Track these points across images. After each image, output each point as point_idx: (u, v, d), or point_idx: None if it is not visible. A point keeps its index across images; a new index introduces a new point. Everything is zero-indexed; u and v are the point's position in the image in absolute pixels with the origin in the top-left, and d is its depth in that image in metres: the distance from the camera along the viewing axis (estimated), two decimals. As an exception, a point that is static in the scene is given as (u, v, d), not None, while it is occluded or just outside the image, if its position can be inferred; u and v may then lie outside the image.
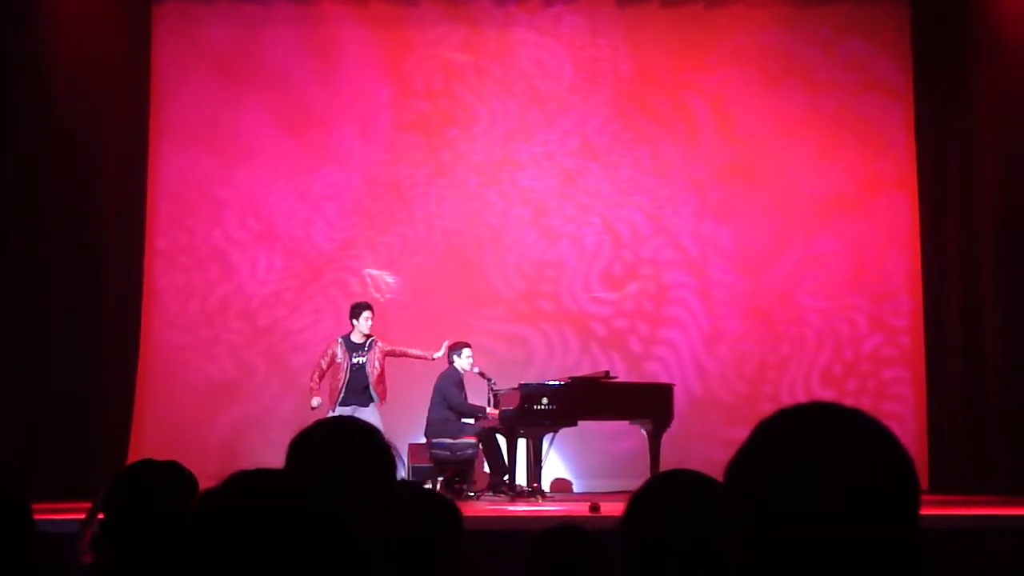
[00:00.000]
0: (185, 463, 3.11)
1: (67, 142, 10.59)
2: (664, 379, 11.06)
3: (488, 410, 9.96)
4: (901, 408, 11.02)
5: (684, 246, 11.64)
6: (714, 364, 11.45)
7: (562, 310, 11.58)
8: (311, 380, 9.84)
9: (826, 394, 11.05)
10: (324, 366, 9.82)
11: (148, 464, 2.96)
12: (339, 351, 9.76)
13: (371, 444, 2.30)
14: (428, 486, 8.92)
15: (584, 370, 11.10)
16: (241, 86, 11.50)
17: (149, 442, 10.42)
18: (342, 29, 11.61)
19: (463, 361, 10.04)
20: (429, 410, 9.97)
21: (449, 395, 9.92)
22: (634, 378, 11.11)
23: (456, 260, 11.54)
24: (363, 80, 11.64)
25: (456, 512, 2.39)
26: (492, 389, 10.09)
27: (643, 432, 9.69)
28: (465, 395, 10.05)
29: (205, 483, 2.27)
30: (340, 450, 2.25)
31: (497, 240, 11.61)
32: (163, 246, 11.33)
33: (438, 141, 11.63)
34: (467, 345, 10.12)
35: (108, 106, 10.86)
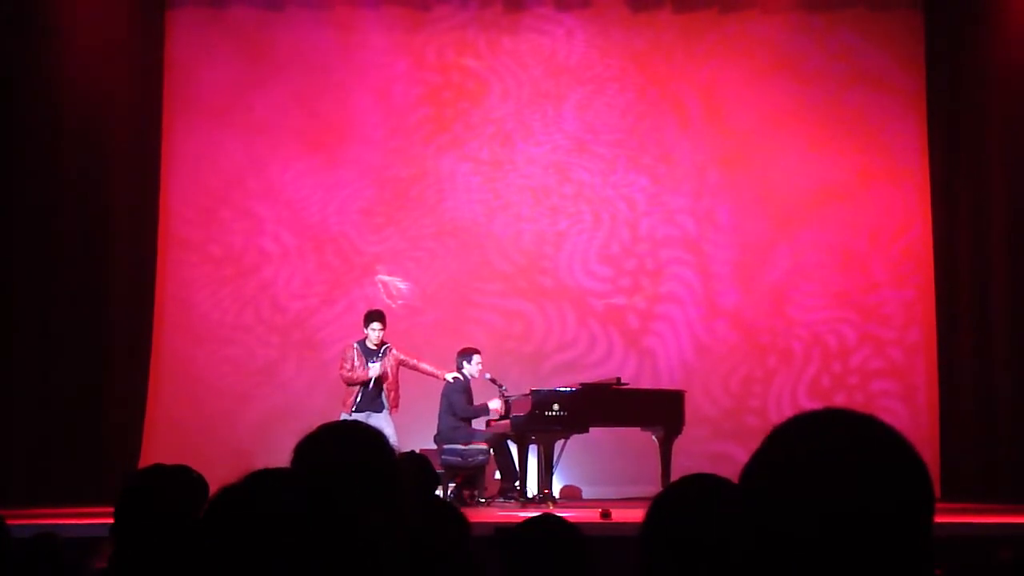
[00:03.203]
0: (200, 462, 3.11)
1: (78, 130, 10.61)
2: (661, 355, 11.36)
3: (491, 407, 9.93)
4: (891, 421, 10.83)
5: (682, 224, 11.69)
6: (701, 371, 11.45)
7: (560, 286, 11.64)
8: (347, 377, 9.61)
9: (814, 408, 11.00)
10: (349, 368, 9.74)
11: (158, 469, 2.96)
12: (355, 356, 9.73)
13: (376, 449, 2.29)
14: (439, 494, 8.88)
15: (581, 346, 11.33)
16: (260, 66, 11.53)
17: (164, 439, 10.47)
18: (360, 15, 11.68)
19: (472, 367, 10.03)
20: (439, 417, 9.97)
21: (454, 402, 9.91)
22: (632, 354, 11.40)
23: (455, 236, 11.60)
24: (376, 55, 11.68)
25: (462, 519, 2.37)
26: (503, 395, 10.08)
27: (654, 439, 9.69)
28: (471, 401, 10.04)
29: (219, 483, 2.27)
30: (344, 455, 2.24)
31: (496, 216, 11.68)
32: (175, 235, 11.32)
33: (450, 114, 11.69)
34: (476, 351, 10.12)
35: (121, 91, 10.84)
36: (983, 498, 9.91)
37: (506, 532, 2.94)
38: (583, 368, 11.32)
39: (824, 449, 1.27)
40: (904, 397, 11.36)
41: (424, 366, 9.99)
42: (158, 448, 10.09)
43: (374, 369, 9.56)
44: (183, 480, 2.92)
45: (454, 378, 9.95)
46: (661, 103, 11.78)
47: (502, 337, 11.37)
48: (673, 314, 11.64)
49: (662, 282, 11.66)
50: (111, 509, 2.87)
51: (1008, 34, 10.59)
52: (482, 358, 10.11)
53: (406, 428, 9.68)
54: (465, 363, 10.04)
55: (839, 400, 11.11)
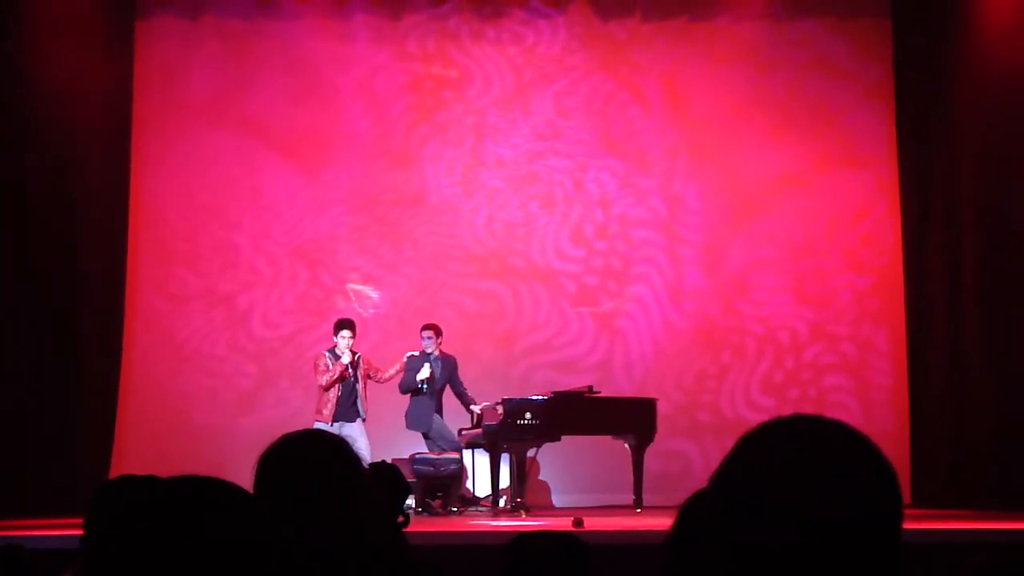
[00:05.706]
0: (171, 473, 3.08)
1: (45, 149, 10.43)
2: (633, 336, 11.46)
3: (420, 377, 9.92)
4: (843, 416, 10.82)
5: (653, 207, 11.72)
6: (656, 367, 11.46)
7: (532, 267, 11.67)
8: (327, 382, 9.63)
9: (767, 403, 11.12)
10: (324, 370, 9.69)
11: (126, 480, 2.94)
12: (329, 364, 9.69)
13: (337, 456, 2.29)
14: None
15: (552, 328, 11.42)
16: (237, 75, 11.50)
17: (134, 453, 10.39)
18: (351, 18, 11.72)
19: (424, 343, 10.09)
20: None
21: (403, 379, 9.98)
22: (605, 336, 11.48)
23: (427, 219, 11.58)
24: (359, 49, 11.70)
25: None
26: (474, 402, 10.12)
27: (626, 447, 9.71)
28: (415, 376, 10.00)
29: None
30: (305, 464, 2.25)
31: (473, 201, 11.68)
32: (147, 243, 11.24)
33: (431, 103, 11.71)
34: (429, 327, 10.16)
35: (89, 107, 10.71)
36: (952, 504, 9.95)
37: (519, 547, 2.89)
38: (554, 349, 11.46)
39: (791, 457, 1.28)
40: (857, 391, 11.42)
41: (389, 372, 9.99)
42: (129, 462, 10.03)
43: (346, 355, 9.56)
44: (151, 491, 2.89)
45: (409, 356, 9.98)
46: (637, 94, 11.79)
47: (474, 318, 11.40)
48: (644, 296, 11.66)
49: (633, 264, 11.69)
50: (81, 521, 2.85)
51: (980, 25, 10.60)
52: (432, 333, 10.13)
53: (378, 438, 9.67)
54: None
55: (792, 394, 11.25)
